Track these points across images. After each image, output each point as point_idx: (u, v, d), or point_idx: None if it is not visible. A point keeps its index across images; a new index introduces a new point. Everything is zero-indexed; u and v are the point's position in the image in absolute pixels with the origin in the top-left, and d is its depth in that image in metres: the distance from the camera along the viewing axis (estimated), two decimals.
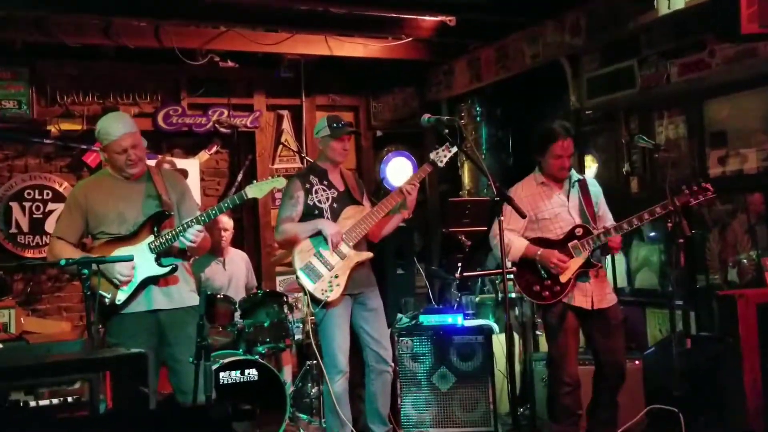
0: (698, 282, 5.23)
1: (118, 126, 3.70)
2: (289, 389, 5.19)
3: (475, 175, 7.01)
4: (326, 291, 4.16)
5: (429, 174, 4.40)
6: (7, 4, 5.29)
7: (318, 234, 4.21)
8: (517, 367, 5.19)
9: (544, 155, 4.22)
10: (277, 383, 4.78)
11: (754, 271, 4.91)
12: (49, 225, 6.09)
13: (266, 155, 6.98)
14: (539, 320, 5.16)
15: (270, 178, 3.85)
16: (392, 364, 4.40)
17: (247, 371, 4.70)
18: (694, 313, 5.12)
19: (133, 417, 2.29)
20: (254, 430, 4.54)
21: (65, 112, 6.28)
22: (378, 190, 7.05)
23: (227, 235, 5.73)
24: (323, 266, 4.19)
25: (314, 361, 5.05)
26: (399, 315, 5.23)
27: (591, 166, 6.15)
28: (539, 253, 4.12)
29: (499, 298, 5.48)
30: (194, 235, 3.61)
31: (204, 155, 6.80)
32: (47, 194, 6.21)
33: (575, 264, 4.12)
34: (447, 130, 4.03)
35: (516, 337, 5.27)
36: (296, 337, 5.49)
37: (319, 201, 4.31)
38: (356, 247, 4.28)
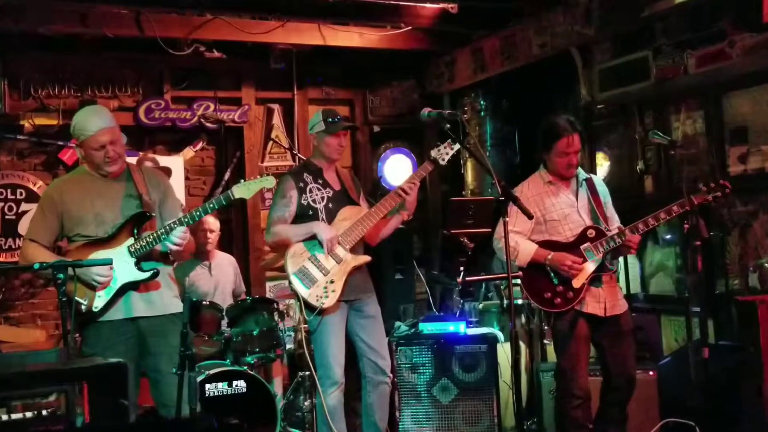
0: (717, 287, 5.24)
1: (95, 121, 3.70)
2: (280, 402, 5.19)
3: (479, 174, 7.02)
4: (321, 297, 4.16)
5: (430, 173, 4.40)
6: None
7: (312, 238, 4.21)
8: (524, 379, 5.19)
9: (549, 152, 4.23)
10: (267, 396, 4.78)
11: None
12: (23, 227, 6.09)
13: (255, 152, 6.97)
14: (547, 328, 5.17)
15: (259, 177, 3.85)
16: (390, 375, 4.40)
17: (234, 383, 4.71)
18: (712, 321, 5.12)
19: (111, 431, 2.29)
20: None
21: (40, 106, 6.27)
22: (375, 190, 7.05)
23: (213, 238, 5.74)
24: (318, 271, 4.20)
25: (307, 372, 5.05)
26: (397, 323, 5.23)
27: (602, 164, 6.16)
28: (550, 257, 4.12)
29: (504, 305, 5.48)
30: (178, 237, 3.61)
31: (188, 152, 6.79)
32: (20, 194, 6.20)
33: (589, 268, 4.12)
34: (449, 126, 4.03)
35: (522, 346, 5.27)
36: (287, 346, 5.49)
37: (314, 201, 4.31)
38: (353, 250, 4.28)
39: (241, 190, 3.74)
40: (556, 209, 4.21)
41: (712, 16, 5.05)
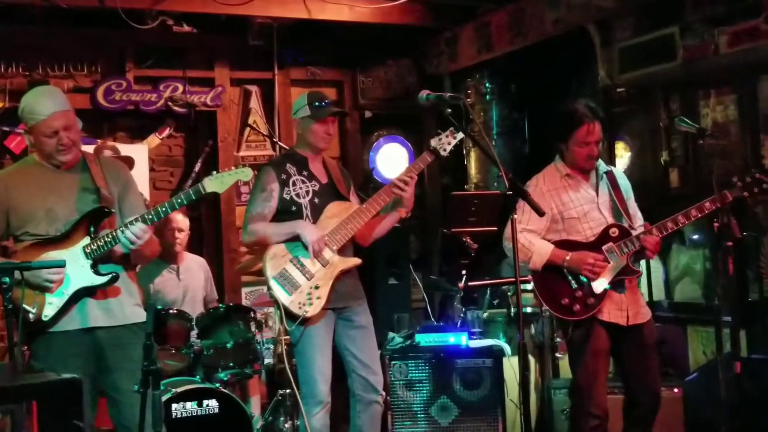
0: (750, 294, 5.25)
1: (47, 103, 3.67)
2: (258, 424, 5.17)
3: (484, 165, 7.03)
4: (304, 305, 4.15)
5: (429, 164, 4.39)
6: None
7: (295, 239, 4.20)
8: (533, 397, 5.20)
9: (566, 142, 4.23)
10: (243, 417, 4.77)
11: None
12: None
13: (230, 140, 6.96)
14: (559, 340, 5.17)
15: (234, 168, 3.82)
16: (383, 393, 4.39)
17: (205, 402, 4.69)
18: (744, 332, 5.13)
19: None
20: None
21: None
22: (366, 183, 7.05)
23: (182, 238, 5.72)
24: (301, 275, 4.19)
25: (288, 390, 5.04)
26: (391, 334, 5.25)
27: (623, 154, 6.18)
28: (569, 257, 4.13)
29: (512, 314, 5.48)
30: (135, 234, 3.57)
31: (154, 140, 6.77)
32: None
33: (612, 271, 4.12)
34: (450, 111, 4.02)
35: (531, 360, 5.28)
36: (266, 361, 5.48)
37: (297, 195, 4.30)
38: (341, 252, 4.27)
39: (213, 184, 3.71)
40: (575, 206, 4.21)
41: None
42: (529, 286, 5.32)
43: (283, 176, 4.31)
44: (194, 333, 5.19)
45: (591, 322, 4.14)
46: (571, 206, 4.22)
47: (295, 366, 4.32)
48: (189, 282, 5.70)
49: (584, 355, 4.15)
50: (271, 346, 5.58)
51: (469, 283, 5.43)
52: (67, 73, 6.46)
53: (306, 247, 4.16)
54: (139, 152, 6.59)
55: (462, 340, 5.04)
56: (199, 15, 6.45)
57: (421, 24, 7.02)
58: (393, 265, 5.80)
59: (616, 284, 4.15)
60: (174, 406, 4.59)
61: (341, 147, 7.37)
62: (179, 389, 4.66)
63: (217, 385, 4.83)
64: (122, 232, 3.60)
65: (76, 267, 3.60)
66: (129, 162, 6.30)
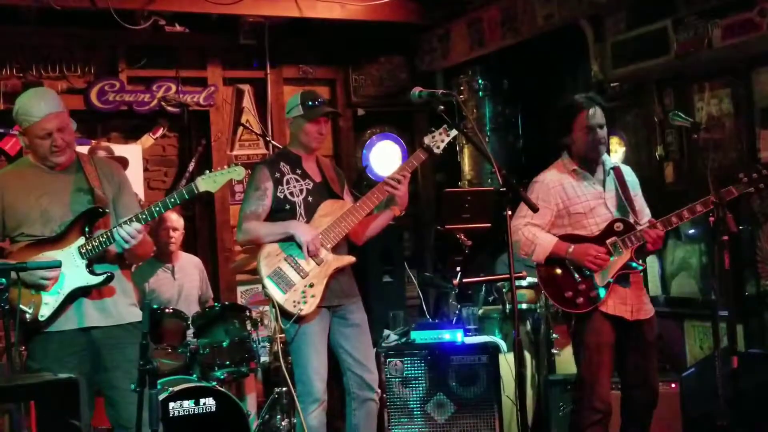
0: (747, 288, 5.27)
1: (41, 105, 3.69)
2: (254, 422, 5.19)
3: (477, 162, 7.02)
4: (299, 303, 4.17)
5: (422, 162, 4.40)
6: None
7: (289, 239, 4.22)
8: (529, 394, 5.22)
9: (570, 133, 4.25)
10: (239, 415, 4.79)
11: None
12: None
13: (223, 139, 6.97)
14: (555, 336, 5.20)
15: (227, 167, 3.84)
16: (378, 391, 4.40)
17: (202, 401, 4.71)
18: (741, 327, 5.15)
19: None
20: None
21: None
22: (360, 181, 7.06)
23: (177, 237, 5.73)
24: (295, 273, 4.20)
25: (284, 389, 5.06)
26: (386, 331, 5.25)
27: (617, 150, 6.18)
28: (571, 250, 4.16)
29: (507, 310, 5.50)
30: (129, 233, 3.60)
31: (147, 140, 6.78)
32: None
33: (615, 265, 4.16)
34: (442, 108, 4.03)
35: (527, 356, 5.30)
36: (262, 359, 5.50)
37: (291, 194, 4.32)
38: (335, 250, 4.28)
39: (207, 183, 3.73)
40: (581, 201, 4.23)
41: None
42: (524, 283, 5.40)
43: (277, 175, 4.33)
44: (190, 332, 5.20)
45: (597, 314, 4.16)
46: (577, 201, 4.24)
47: (290, 364, 4.35)
48: (184, 281, 5.71)
49: (587, 348, 4.17)
50: (267, 345, 5.60)
51: (464, 280, 5.44)
52: (61, 74, 6.47)
53: (300, 247, 4.19)
54: (133, 152, 6.59)
55: (457, 337, 5.05)
56: (190, 15, 6.46)
57: (412, 21, 7.02)
58: (387, 262, 5.81)
59: (621, 278, 4.17)
60: (171, 404, 4.62)
61: (334, 145, 7.38)
62: (176, 388, 4.68)
63: (214, 383, 4.85)
64: (117, 231, 3.62)
65: (71, 267, 3.62)
66: (123, 162, 6.30)
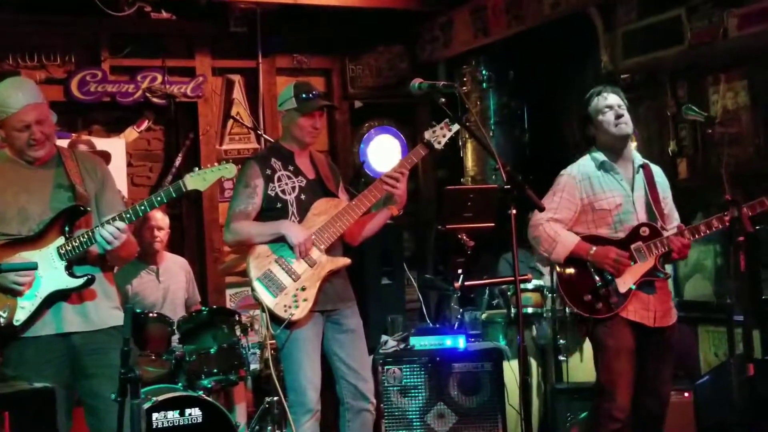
0: (764, 292, 5.27)
1: (18, 95, 3.67)
2: None
3: (481, 157, 7.04)
4: (290, 307, 4.16)
5: (423, 158, 4.40)
6: None
7: (280, 239, 4.21)
8: (535, 402, 5.22)
9: (592, 120, 4.28)
10: (227, 427, 4.78)
11: None
12: None
13: (212, 133, 6.97)
14: (563, 342, 5.19)
15: (217, 164, 3.83)
16: (374, 401, 4.39)
17: (188, 411, 4.70)
18: (758, 332, 5.15)
19: None
20: None
21: None
22: (357, 178, 7.04)
23: (162, 237, 5.72)
24: (287, 276, 4.20)
25: (275, 398, 5.05)
26: (384, 337, 5.25)
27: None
28: (592, 251, 4.17)
29: (512, 314, 5.50)
30: (112, 233, 3.58)
31: (131, 133, 6.77)
32: None
33: (638, 271, 4.16)
34: (444, 100, 4.03)
35: (533, 363, 5.30)
36: (252, 366, 5.49)
37: (283, 191, 4.31)
38: (329, 251, 4.27)
39: (195, 181, 3.72)
40: (607, 197, 4.24)
41: None
42: (530, 286, 5.40)
43: (268, 171, 4.32)
44: (176, 338, 5.19)
45: (619, 319, 4.16)
46: (603, 197, 4.24)
47: (282, 372, 4.34)
48: (169, 284, 5.70)
49: (607, 354, 4.18)
50: (258, 351, 5.58)
51: (466, 283, 5.43)
52: (39, 64, 6.47)
53: (292, 248, 4.18)
54: (116, 146, 6.58)
55: (459, 342, 5.05)
56: (177, 1, 6.46)
57: (413, 8, 7.03)
58: (386, 263, 5.80)
59: (644, 285, 4.18)
60: (155, 415, 4.59)
61: (330, 139, 7.38)
62: (160, 397, 4.66)
63: (201, 392, 4.83)
64: (98, 231, 3.61)
65: (49, 269, 3.60)
66: (105, 157, 6.26)
